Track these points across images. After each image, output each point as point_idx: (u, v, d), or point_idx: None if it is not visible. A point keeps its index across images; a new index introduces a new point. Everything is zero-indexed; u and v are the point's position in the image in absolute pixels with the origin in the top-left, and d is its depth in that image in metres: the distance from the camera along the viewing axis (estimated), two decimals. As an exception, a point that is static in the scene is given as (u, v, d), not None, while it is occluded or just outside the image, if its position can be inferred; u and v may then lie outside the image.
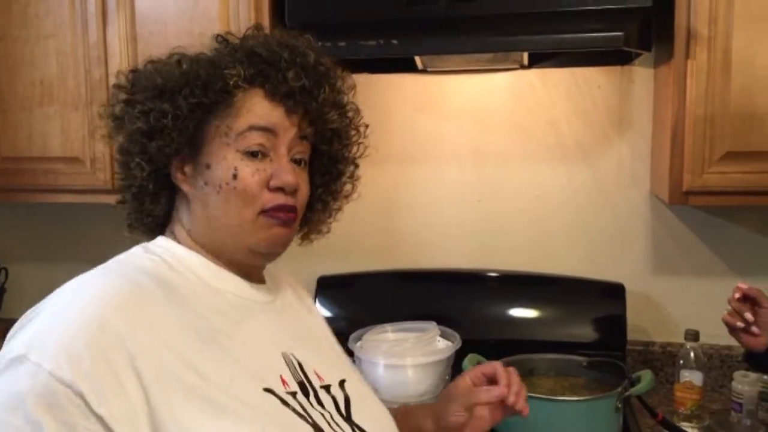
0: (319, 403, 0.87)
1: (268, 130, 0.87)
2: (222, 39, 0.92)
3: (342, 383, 0.94)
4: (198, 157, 0.87)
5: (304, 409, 0.83)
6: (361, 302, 2.01)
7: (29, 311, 0.78)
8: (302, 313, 1.01)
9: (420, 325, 1.83)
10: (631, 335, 1.92)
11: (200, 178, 0.86)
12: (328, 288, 2.02)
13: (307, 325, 1.01)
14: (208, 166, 0.86)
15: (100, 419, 0.69)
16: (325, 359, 0.97)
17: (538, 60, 1.91)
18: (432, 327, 1.82)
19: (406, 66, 1.94)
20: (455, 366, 1.75)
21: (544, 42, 1.57)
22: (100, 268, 0.84)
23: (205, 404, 0.75)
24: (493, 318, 1.93)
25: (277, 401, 0.81)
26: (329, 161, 0.97)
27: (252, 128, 0.86)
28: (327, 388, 0.90)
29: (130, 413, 0.71)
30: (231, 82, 0.85)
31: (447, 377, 1.78)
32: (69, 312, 0.75)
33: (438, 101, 2.02)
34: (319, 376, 0.90)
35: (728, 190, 1.59)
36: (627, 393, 1.48)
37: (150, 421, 0.72)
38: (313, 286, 2.04)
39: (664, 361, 1.95)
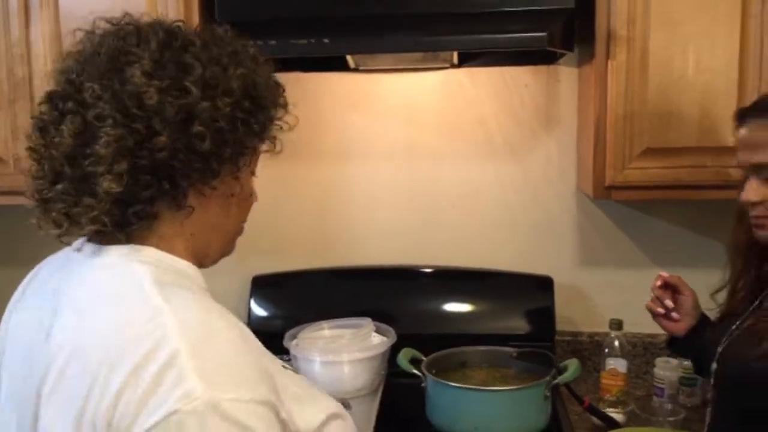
0: None
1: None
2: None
3: None
4: (239, 168, 0.89)
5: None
6: (296, 300, 2.01)
7: (142, 362, 0.73)
8: None
9: (355, 322, 1.85)
10: (560, 326, 1.99)
11: (226, 188, 0.88)
12: (263, 287, 2.02)
13: None
14: (237, 179, 0.89)
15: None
16: None
17: (467, 59, 1.95)
18: (367, 323, 1.84)
19: (339, 65, 1.96)
20: (391, 360, 1.78)
21: (471, 42, 1.61)
22: (167, 292, 0.80)
23: (295, 396, 0.83)
24: (427, 312, 1.97)
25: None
26: None
27: (259, 154, 0.94)
28: None
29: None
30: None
31: (383, 372, 1.81)
32: (215, 344, 0.76)
33: (370, 100, 2.05)
34: None
35: (648, 184, 1.67)
36: (555, 381, 1.53)
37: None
38: (248, 285, 2.04)
39: (592, 350, 2.02)
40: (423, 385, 1.58)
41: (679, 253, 1.98)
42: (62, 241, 0.86)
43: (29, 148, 0.86)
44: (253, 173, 0.95)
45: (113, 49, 0.83)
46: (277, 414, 0.76)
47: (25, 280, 0.95)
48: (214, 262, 0.95)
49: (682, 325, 1.39)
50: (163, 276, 0.82)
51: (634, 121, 1.64)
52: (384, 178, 2.07)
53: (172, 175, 0.81)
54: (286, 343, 1.76)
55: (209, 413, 0.70)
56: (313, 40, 1.60)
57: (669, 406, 1.72)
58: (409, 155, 2.05)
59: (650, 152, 1.65)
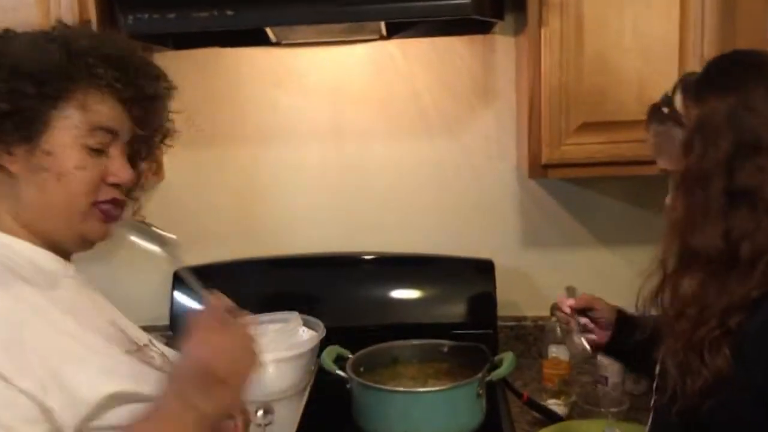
0: (152, 356, 0.98)
1: (112, 131, 0.94)
2: (65, 29, 0.97)
3: (151, 341, 1.03)
4: (36, 141, 0.88)
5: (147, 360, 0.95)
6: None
7: None
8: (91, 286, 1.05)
9: (281, 316, 1.73)
10: (503, 311, 1.89)
11: (36, 163, 0.89)
12: (184, 281, 1.87)
13: (101, 297, 1.05)
14: (49, 153, 0.89)
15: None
16: (131, 325, 1.04)
17: (396, 30, 1.81)
18: (294, 317, 1.72)
19: (259, 38, 1.80)
20: (321, 356, 1.66)
21: (391, 10, 1.48)
22: None
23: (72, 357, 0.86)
24: (361, 303, 1.85)
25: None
26: (148, 149, 1.05)
27: (100, 127, 0.92)
28: (146, 346, 1.00)
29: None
30: (96, 80, 0.91)
31: (312, 368, 1.69)
32: None
33: (294, 75, 1.90)
34: (137, 338, 1.00)
35: (586, 161, 1.56)
36: (488, 378, 1.42)
37: None
38: (170, 279, 1.90)
39: (537, 335, 1.93)
40: (348, 386, 1.46)
41: (622, 230, 1.89)
42: None
43: None
44: (86, 148, 0.92)
45: None
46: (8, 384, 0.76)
47: None
48: (71, 243, 0.95)
49: (600, 335, 1.29)
50: None
51: (570, 93, 1.53)
52: (312, 159, 1.93)
53: None
54: (203, 343, 1.63)
55: None
56: (215, 12, 1.45)
57: (614, 395, 1.62)
58: (338, 134, 1.92)
59: (587, 127, 1.54)
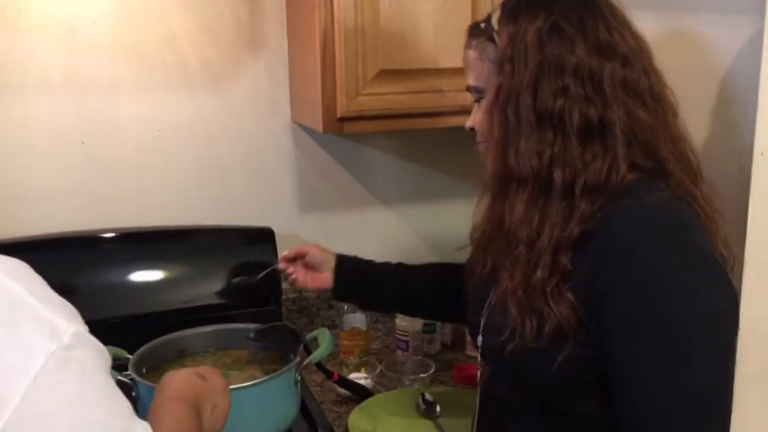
0: None
1: None
2: None
3: None
4: None
5: None
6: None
7: None
8: None
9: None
10: (283, 283, 1.71)
11: None
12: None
13: None
14: None
15: None
16: None
17: (146, -42, 1.50)
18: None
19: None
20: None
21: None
22: None
23: None
24: (120, 292, 1.52)
25: None
26: None
27: None
28: None
29: None
30: None
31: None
32: None
33: (13, 10, 1.48)
34: None
35: (385, 113, 1.44)
36: (307, 361, 1.24)
37: None
38: None
39: (320, 305, 1.79)
40: (134, 394, 1.17)
41: (399, 187, 1.82)
42: None
43: None
44: None
45: None
46: None
47: None
48: None
49: (324, 276, 1.33)
50: None
51: (367, 39, 1.39)
52: (41, 118, 1.53)
53: None
54: None
55: None
56: None
57: (417, 359, 1.55)
58: (74, 87, 1.55)
59: (385, 75, 1.42)
